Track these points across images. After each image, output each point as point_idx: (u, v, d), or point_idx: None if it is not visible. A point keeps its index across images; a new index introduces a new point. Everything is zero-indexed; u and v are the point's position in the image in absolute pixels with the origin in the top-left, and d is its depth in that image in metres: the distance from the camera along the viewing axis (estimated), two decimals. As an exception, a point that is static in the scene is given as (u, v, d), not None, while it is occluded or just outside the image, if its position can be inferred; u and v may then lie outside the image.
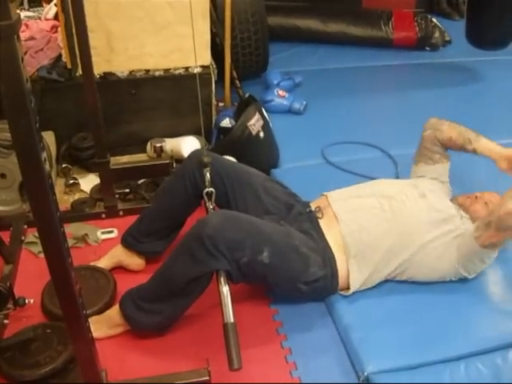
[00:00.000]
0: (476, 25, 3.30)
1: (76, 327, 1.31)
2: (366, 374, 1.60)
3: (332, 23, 3.93)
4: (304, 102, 3.05)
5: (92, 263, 2.01)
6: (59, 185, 2.52)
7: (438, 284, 1.87)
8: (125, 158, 2.73)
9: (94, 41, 2.12)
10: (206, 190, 1.82)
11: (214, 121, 2.79)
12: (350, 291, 1.81)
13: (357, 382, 1.62)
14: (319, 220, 1.86)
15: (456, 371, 1.62)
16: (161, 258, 1.90)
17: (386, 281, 1.87)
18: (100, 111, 2.09)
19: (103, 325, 1.75)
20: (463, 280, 1.88)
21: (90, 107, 2.07)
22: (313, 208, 1.92)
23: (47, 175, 1.09)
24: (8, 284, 1.74)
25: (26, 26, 3.06)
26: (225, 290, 1.55)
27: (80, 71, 2.19)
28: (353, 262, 1.79)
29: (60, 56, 2.68)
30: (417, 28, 3.95)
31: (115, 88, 2.63)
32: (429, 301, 1.84)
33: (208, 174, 1.82)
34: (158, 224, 1.98)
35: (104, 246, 2.15)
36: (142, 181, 2.46)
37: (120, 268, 2.02)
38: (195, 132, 2.70)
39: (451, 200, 1.99)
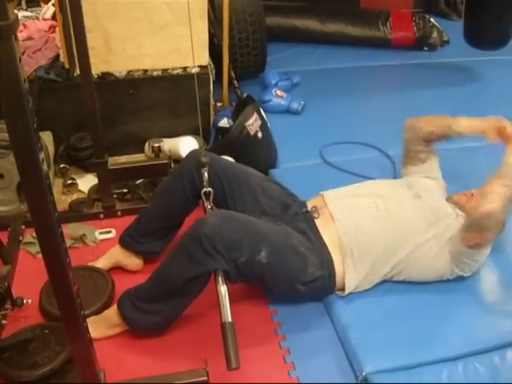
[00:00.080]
0: (474, 25, 3.30)
1: (74, 327, 1.31)
2: (364, 373, 1.60)
3: (330, 23, 3.92)
4: (302, 102, 3.05)
5: (90, 263, 2.01)
6: (57, 185, 2.52)
7: (436, 284, 1.87)
8: (123, 158, 2.73)
9: (92, 41, 2.11)
10: (204, 189, 1.82)
11: (212, 121, 2.79)
12: (345, 292, 1.82)
13: (355, 381, 1.62)
14: (315, 220, 1.86)
15: (454, 371, 1.62)
16: (159, 258, 1.90)
17: (384, 281, 1.87)
18: (98, 111, 2.09)
19: (101, 325, 1.75)
20: (461, 280, 1.88)
21: (87, 107, 2.07)
22: (309, 207, 1.92)
23: (45, 175, 1.08)
24: (6, 284, 1.74)
25: (24, 26, 3.05)
26: (223, 289, 1.55)
27: (78, 71, 2.19)
28: (349, 262, 1.79)
29: (58, 56, 2.68)
30: (415, 28, 3.95)
31: (113, 88, 2.63)
32: (427, 301, 1.84)
33: (206, 174, 1.82)
34: (156, 224, 1.98)
35: (102, 246, 2.15)
36: (140, 181, 2.46)
37: (118, 268, 2.02)
38: (193, 132, 2.70)
39: (447, 199, 1.99)
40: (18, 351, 1.62)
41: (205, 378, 1.51)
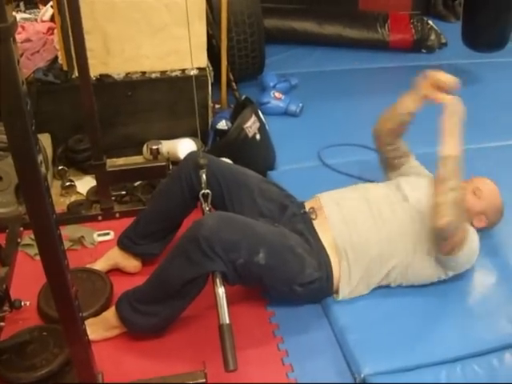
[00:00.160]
0: (472, 27, 3.31)
1: (72, 330, 1.31)
2: (362, 375, 1.60)
3: (328, 25, 3.93)
4: (300, 104, 3.06)
5: (88, 265, 2.01)
6: (55, 187, 2.52)
7: (434, 286, 1.87)
8: (121, 160, 2.73)
9: (91, 43, 2.12)
10: (202, 191, 1.83)
11: (210, 123, 2.80)
12: (339, 297, 1.81)
13: (353, 383, 1.62)
14: (313, 221, 1.86)
15: (452, 373, 1.62)
16: (157, 260, 1.90)
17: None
18: (96, 113, 2.09)
19: (99, 327, 1.74)
20: (459, 282, 1.88)
21: (86, 109, 2.07)
22: (307, 209, 1.92)
23: (43, 177, 1.08)
24: (4, 286, 1.74)
25: (23, 27, 3.06)
26: (220, 291, 1.55)
27: (76, 73, 2.19)
28: (345, 264, 1.79)
29: (56, 58, 2.68)
30: (413, 30, 3.96)
31: (111, 90, 2.63)
32: (424, 302, 1.84)
33: (204, 176, 1.82)
34: (154, 226, 1.98)
35: (100, 248, 2.15)
36: (138, 183, 2.46)
37: (116, 270, 2.02)
38: (191, 134, 2.70)
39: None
40: (16, 353, 1.62)
41: (203, 380, 1.51)
